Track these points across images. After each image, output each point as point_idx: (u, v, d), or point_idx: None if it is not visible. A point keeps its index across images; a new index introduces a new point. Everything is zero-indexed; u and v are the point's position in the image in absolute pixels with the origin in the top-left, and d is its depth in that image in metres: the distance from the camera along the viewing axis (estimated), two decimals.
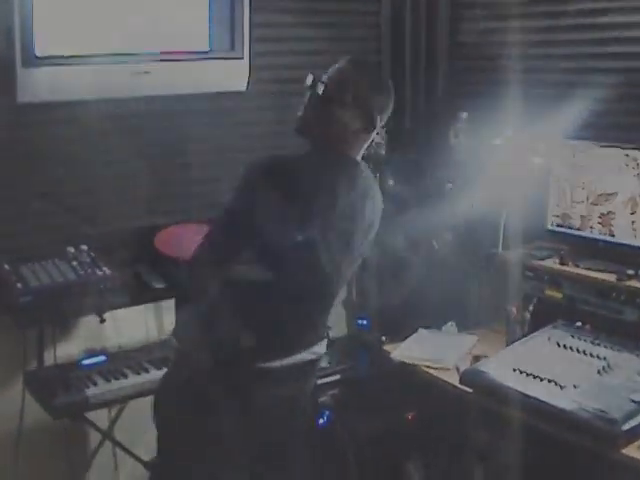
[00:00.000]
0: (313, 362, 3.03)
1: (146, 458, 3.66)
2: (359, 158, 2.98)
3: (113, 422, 3.81)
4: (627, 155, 3.48)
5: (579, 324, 3.54)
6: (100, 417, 3.68)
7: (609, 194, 3.56)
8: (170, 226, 3.78)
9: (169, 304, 3.61)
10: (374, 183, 3.04)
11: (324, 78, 2.90)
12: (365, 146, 2.98)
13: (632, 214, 3.49)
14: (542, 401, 3.02)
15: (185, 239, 3.66)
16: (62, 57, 3.33)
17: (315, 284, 2.89)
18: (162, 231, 3.74)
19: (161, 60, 3.57)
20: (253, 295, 2.83)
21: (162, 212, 3.85)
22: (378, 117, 2.91)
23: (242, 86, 3.79)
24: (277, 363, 2.87)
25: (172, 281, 3.54)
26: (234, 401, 2.84)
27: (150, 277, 3.59)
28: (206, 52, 3.70)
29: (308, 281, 2.86)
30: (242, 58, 3.73)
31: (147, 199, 3.79)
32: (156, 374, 3.41)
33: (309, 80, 2.91)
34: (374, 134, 2.98)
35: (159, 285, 3.56)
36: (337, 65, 2.94)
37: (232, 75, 3.76)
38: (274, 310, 2.85)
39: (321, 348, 3.04)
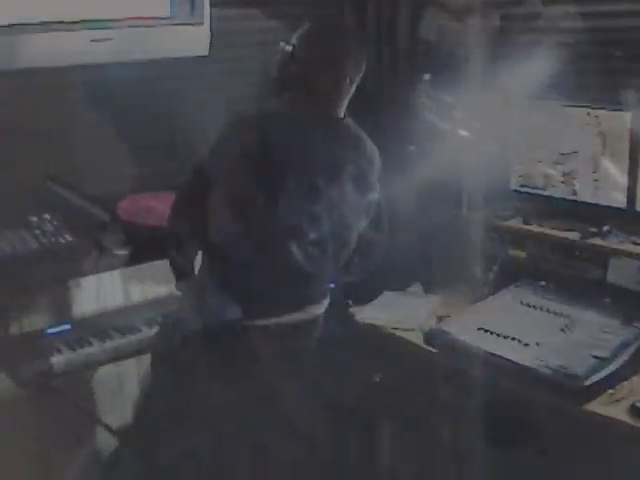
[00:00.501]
0: (308, 322, 3.06)
1: (115, 426, 3.66)
2: (340, 112, 3.03)
3: (81, 390, 3.79)
4: (588, 114, 3.49)
5: (543, 283, 3.57)
6: (68, 385, 3.68)
7: (571, 153, 3.58)
8: (134, 193, 3.77)
9: (133, 271, 3.60)
10: (359, 134, 3.07)
11: (292, 40, 2.94)
12: (344, 100, 3.03)
13: (594, 172, 3.51)
14: (505, 359, 3.05)
15: (149, 206, 3.67)
16: (21, 24, 3.29)
17: (292, 239, 2.90)
18: (126, 199, 3.74)
19: (121, 27, 3.54)
20: (230, 251, 2.86)
21: (125, 179, 3.83)
22: (349, 70, 2.96)
23: (204, 51, 3.76)
24: (265, 322, 2.89)
25: (135, 248, 3.54)
26: (221, 362, 2.86)
27: (113, 244, 3.57)
28: (167, 18, 3.67)
29: (284, 236, 2.88)
30: (202, 23, 3.70)
31: (110, 167, 3.76)
32: (120, 341, 3.41)
33: (281, 45, 2.96)
34: (352, 88, 3.03)
35: (122, 252, 3.55)
36: (305, 26, 2.99)
37: (193, 40, 3.73)
38: (253, 267, 2.88)
39: (317, 309, 3.08)
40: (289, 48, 2.95)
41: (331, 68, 2.96)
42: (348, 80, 2.99)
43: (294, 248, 2.89)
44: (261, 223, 2.87)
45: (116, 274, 3.60)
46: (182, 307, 3.09)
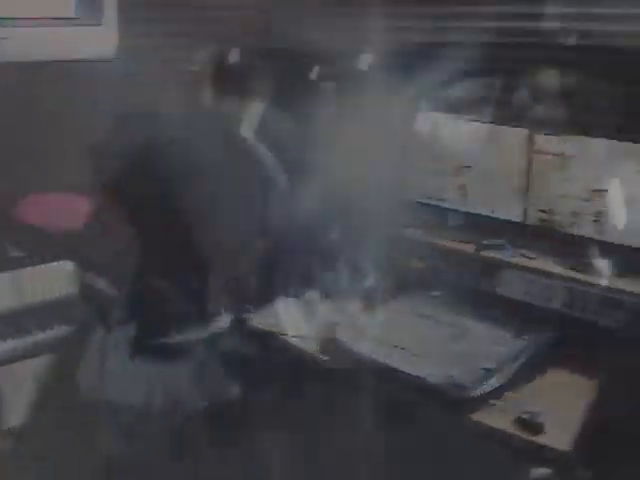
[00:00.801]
0: (207, 340, 3.08)
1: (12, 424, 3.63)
2: (243, 129, 3.07)
3: None
4: (484, 128, 3.57)
5: (437, 293, 3.61)
6: None
7: (467, 166, 3.64)
8: (33, 194, 3.74)
9: (29, 272, 3.57)
10: (259, 151, 3.09)
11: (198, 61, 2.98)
12: (250, 118, 3.07)
13: (490, 186, 3.58)
14: (396, 369, 3.07)
15: (47, 208, 3.64)
16: None
17: (179, 252, 2.90)
18: (24, 199, 3.70)
19: (24, 25, 3.51)
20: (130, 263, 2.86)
21: (26, 181, 3.79)
22: (252, 89, 2.99)
23: (108, 53, 3.75)
24: (164, 339, 2.90)
25: (33, 249, 3.51)
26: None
27: (10, 245, 3.54)
28: (71, 19, 3.66)
29: (171, 249, 2.88)
30: (106, 25, 3.68)
31: (9, 167, 3.72)
32: (13, 343, 3.38)
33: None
34: (259, 106, 3.06)
35: (19, 254, 3.52)
36: (210, 48, 3.03)
37: (97, 42, 3.72)
38: (147, 280, 2.87)
39: (216, 325, 3.11)
40: (195, 69, 2.99)
41: (233, 87, 2.98)
42: (253, 98, 3.02)
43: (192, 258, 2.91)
44: (157, 235, 2.88)
45: (9, 275, 3.58)
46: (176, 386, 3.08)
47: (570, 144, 3.35)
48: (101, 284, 3.07)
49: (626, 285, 3.18)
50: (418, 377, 3.01)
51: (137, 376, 3.00)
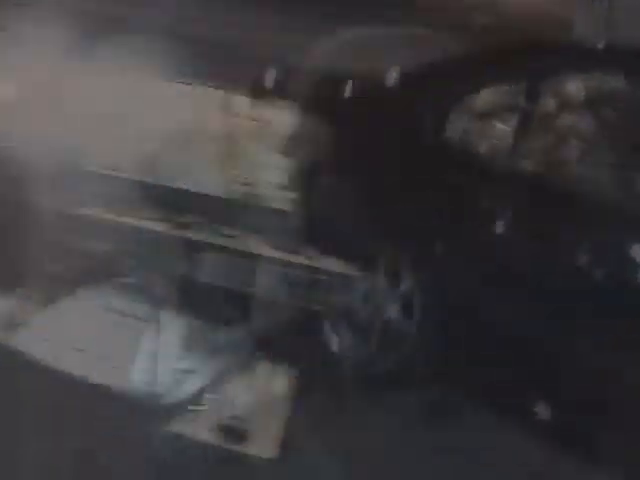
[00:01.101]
0: None
1: None
2: None
3: None
4: (178, 89, 3.30)
5: (129, 281, 3.26)
6: None
7: (158, 131, 3.32)
8: None
9: None
10: None
11: None
12: None
13: (183, 154, 3.31)
14: (78, 376, 2.70)
15: None
16: None
17: None
18: None
19: None
20: None
21: None
22: None
23: None
24: None
25: None
26: None
27: None
28: None
29: None
30: None
31: None
32: None
33: None
34: None
35: None
36: None
37: None
38: None
39: None
40: None
41: None
42: None
43: None
44: None
45: None
46: None
47: (272, 109, 3.08)
48: None
49: (330, 264, 2.99)
50: (106, 386, 2.66)
51: None
